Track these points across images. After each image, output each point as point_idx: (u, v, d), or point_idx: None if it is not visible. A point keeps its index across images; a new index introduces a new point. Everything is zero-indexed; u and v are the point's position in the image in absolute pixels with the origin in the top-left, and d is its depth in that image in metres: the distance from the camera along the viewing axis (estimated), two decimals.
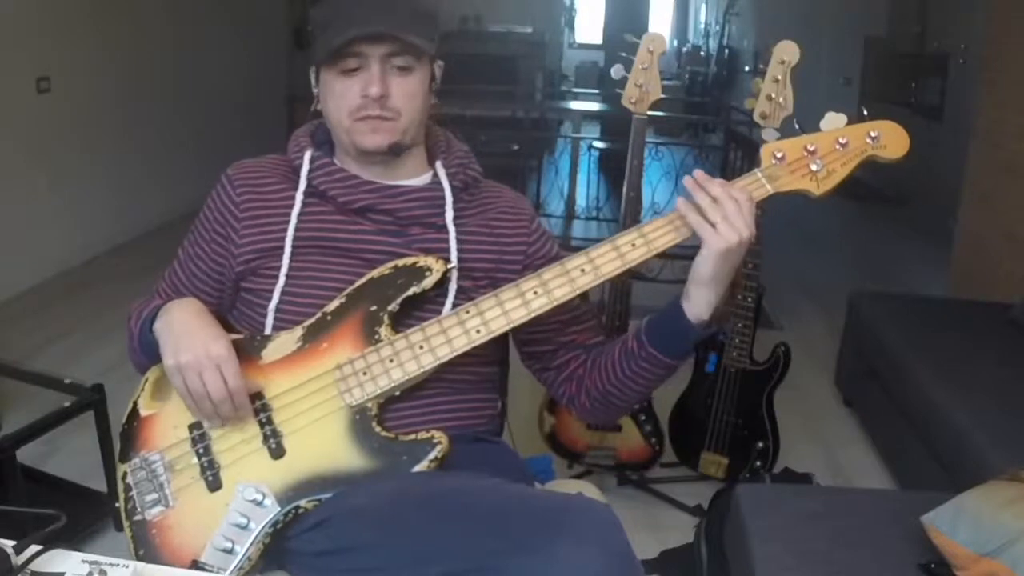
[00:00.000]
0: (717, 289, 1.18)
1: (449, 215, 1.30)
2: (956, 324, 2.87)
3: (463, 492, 1.11)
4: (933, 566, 1.51)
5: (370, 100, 1.22)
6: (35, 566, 0.92)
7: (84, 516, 2.12)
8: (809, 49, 2.04)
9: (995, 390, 2.32)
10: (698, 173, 1.18)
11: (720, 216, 1.14)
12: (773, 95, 2.03)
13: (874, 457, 2.84)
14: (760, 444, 2.43)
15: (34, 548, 0.93)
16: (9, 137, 3.84)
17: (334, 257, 1.26)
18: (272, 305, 1.25)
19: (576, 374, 1.36)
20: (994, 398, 2.27)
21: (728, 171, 4.96)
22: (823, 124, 1.21)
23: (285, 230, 1.27)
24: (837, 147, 1.19)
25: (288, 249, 1.26)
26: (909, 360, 2.60)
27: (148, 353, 1.25)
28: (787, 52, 2.01)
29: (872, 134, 1.19)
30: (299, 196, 1.29)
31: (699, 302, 1.19)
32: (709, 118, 8.54)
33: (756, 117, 2.08)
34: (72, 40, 4.25)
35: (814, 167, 1.18)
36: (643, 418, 2.40)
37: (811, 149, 1.19)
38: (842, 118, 1.21)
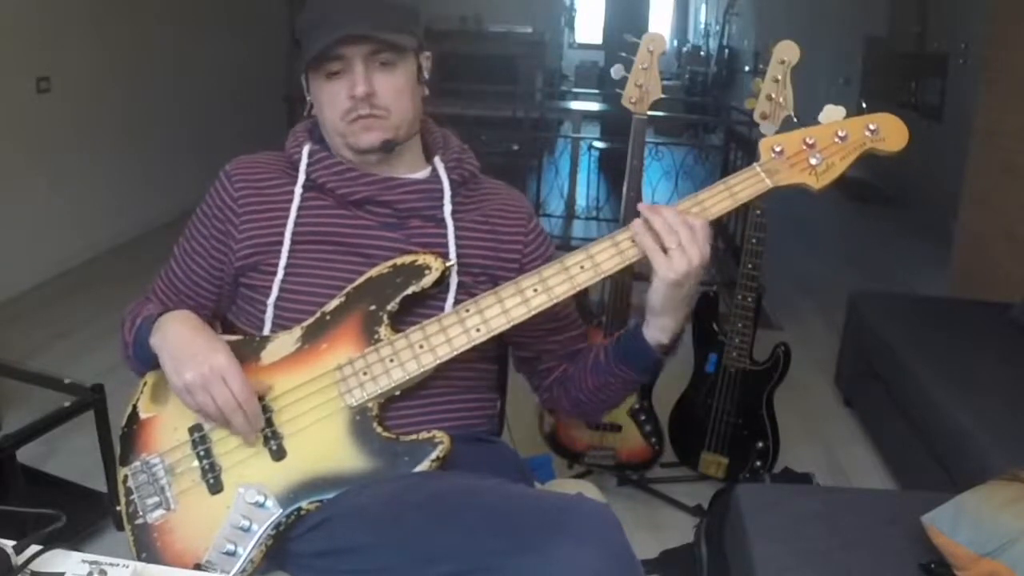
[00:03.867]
0: (674, 315, 1.21)
1: (447, 208, 1.30)
2: (956, 324, 2.86)
3: (463, 492, 1.11)
4: (933, 566, 1.51)
5: (358, 100, 1.23)
6: (35, 566, 0.92)
7: (84, 516, 2.12)
8: (809, 49, 2.04)
9: (995, 390, 2.32)
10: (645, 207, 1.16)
11: (676, 242, 1.13)
12: (773, 95, 2.03)
13: (874, 457, 2.84)
14: (760, 444, 2.43)
15: (34, 548, 0.93)
16: (9, 137, 3.84)
17: (333, 252, 1.26)
18: (271, 300, 1.25)
19: (558, 379, 1.41)
20: (994, 398, 2.27)
21: (728, 171, 4.94)
22: (821, 117, 1.20)
23: (284, 225, 1.27)
24: (836, 140, 1.18)
25: (287, 243, 1.26)
26: (909, 360, 2.60)
27: (145, 363, 1.25)
28: (787, 52, 2.02)
29: (871, 127, 1.18)
30: (298, 190, 1.29)
31: (656, 329, 1.23)
32: (709, 118, 8.54)
33: (756, 117, 2.08)
34: (72, 40, 4.25)
35: (813, 161, 1.18)
36: (643, 418, 2.39)
37: (810, 142, 1.18)
38: (840, 111, 1.20)
